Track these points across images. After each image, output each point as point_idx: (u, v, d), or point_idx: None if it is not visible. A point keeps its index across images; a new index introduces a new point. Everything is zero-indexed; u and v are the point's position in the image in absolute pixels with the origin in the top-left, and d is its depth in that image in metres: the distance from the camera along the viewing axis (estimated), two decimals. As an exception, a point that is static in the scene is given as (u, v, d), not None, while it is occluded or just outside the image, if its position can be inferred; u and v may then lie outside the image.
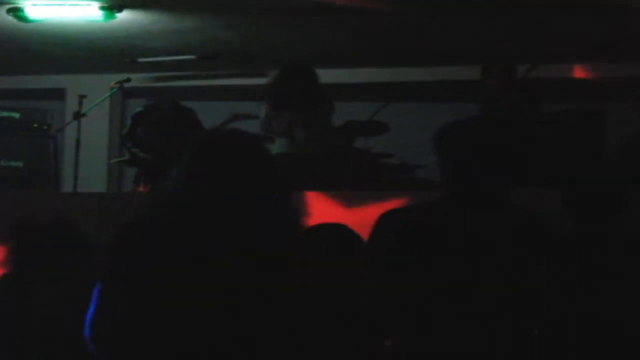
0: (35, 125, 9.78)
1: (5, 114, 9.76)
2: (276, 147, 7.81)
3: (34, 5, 8.34)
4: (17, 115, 9.78)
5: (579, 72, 9.96)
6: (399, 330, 3.39)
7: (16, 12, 8.39)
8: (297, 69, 7.77)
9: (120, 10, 8.39)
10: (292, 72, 7.76)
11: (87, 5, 8.35)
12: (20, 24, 8.66)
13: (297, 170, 7.45)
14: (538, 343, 3.40)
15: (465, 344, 3.31)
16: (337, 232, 4.14)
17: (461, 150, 3.52)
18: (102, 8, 8.34)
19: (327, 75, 8.20)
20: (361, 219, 4.56)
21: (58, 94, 11.07)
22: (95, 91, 9.36)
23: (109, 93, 9.37)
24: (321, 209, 5.80)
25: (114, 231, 3.15)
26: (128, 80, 9.05)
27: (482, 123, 3.60)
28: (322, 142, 7.70)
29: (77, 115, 8.58)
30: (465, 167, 3.51)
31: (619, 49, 9.11)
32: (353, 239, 3.69)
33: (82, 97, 8.59)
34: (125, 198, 7.79)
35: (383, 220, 3.60)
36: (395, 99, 8.97)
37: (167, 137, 8.39)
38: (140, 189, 8.66)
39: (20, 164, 9.70)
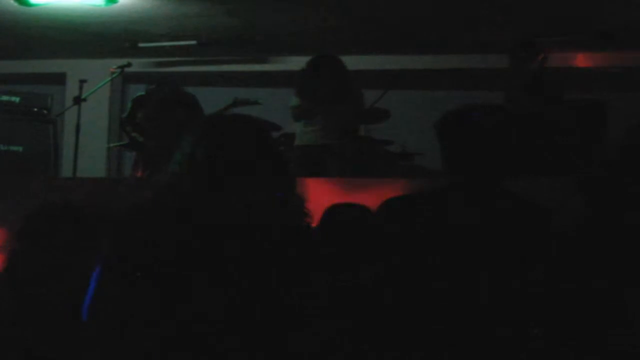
0: (35, 109, 9.78)
1: (5, 98, 9.77)
2: (299, 136, 7.85)
3: (36, -11, 8.35)
4: (17, 99, 9.78)
5: (580, 61, 9.94)
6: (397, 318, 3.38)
7: (18, -4, 8.39)
8: (324, 60, 7.80)
9: (121, -6, 8.40)
10: (319, 63, 7.79)
11: (89, -11, 8.36)
12: (22, 8, 8.64)
13: (317, 161, 7.53)
14: (537, 342, 3.38)
15: (463, 336, 3.30)
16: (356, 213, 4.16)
17: (464, 139, 3.51)
18: (103, -8, 8.34)
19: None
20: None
21: (58, 78, 11.06)
22: (95, 76, 9.35)
23: (109, 78, 9.37)
24: (322, 196, 5.79)
25: (115, 216, 3.14)
26: (128, 65, 9.04)
27: (486, 112, 3.57)
28: (343, 133, 7.74)
29: (77, 100, 8.57)
30: (467, 156, 3.49)
31: (622, 37, 9.09)
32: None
33: (82, 81, 8.58)
34: (125, 183, 7.79)
35: (384, 208, 3.60)
36: (396, 86, 8.97)
37: (167, 121, 8.39)
38: (139, 173, 8.67)
39: (19, 148, 9.71)
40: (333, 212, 4.29)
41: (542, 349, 3.34)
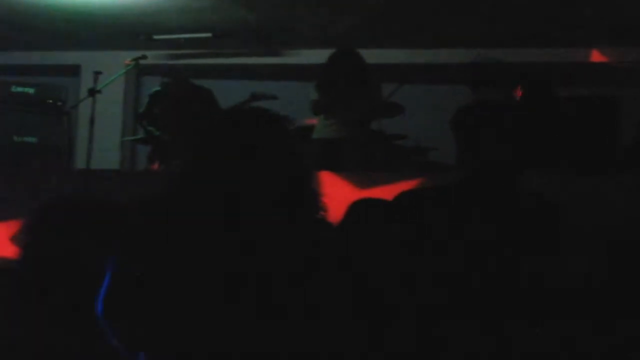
0: (50, 101, 9.79)
1: (20, 89, 9.77)
2: (319, 129, 7.87)
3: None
4: (32, 90, 9.79)
5: (594, 57, 9.93)
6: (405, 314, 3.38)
7: (33, -13, 8.41)
8: (344, 54, 7.82)
9: (137, -14, 8.42)
10: (338, 58, 7.81)
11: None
12: (37, 0, 8.66)
13: (335, 154, 7.55)
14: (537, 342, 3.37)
15: (473, 331, 3.30)
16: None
17: (477, 134, 3.51)
18: (119, -16, 8.37)
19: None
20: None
21: (73, 70, 11.08)
22: (110, 68, 9.36)
23: (123, 70, 9.37)
24: (335, 191, 5.80)
25: (129, 207, 3.15)
26: (144, 57, 9.04)
27: (502, 107, 3.58)
28: (360, 128, 7.76)
29: (92, 92, 8.58)
30: (482, 151, 3.49)
31: (636, 33, 9.08)
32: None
33: (97, 73, 8.58)
34: (140, 176, 7.81)
35: (397, 201, 3.60)
36: (410, 81, 8.97)
37: (183, 115, 8.41)
38: (155, 167, 8.68)
39: (34, 139, 9.72)
40: (360, 206, 4.23)
41: (542, 349, 3.34)
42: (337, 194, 5.50)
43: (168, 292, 2.83)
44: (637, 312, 3.34)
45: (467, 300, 3.30)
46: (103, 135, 9.49)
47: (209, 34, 9.81)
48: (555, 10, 8.61)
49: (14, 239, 4.47)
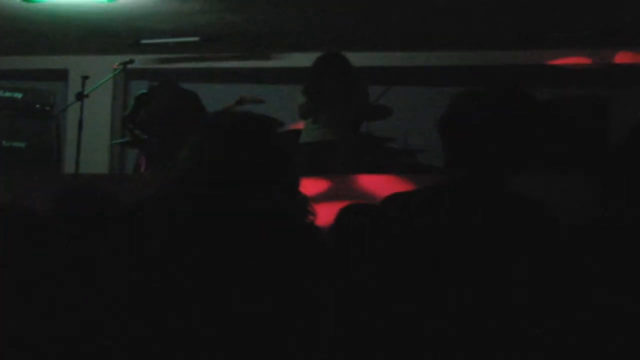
0: (38, 105, 9.80)
1: (7, 94, 9.79)
2: (306, 133, 7.86)
3: (38, -15, 8.35)
4: (19, 95, 9.80)
5: (583, 59, 9.94)
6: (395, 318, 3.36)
7: (20, -8, 8.39)
8: (330, 57, 7.81)
9: (124, -10, 8.40)
10: (324, 61, 7.80)
11: (91, -15, 8.36)
12: (24, 4, 8.65)
13: (323, 157, 7.55)
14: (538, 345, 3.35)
15: (463, 336, 3.29)
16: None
17: (467, 135, 3.50)
18: (106, -12, 8.35)
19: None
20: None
21: (61, 74, 11.06)
22: (98, 72, 9.35)
23: (111, 74, 9.36)
24: (326, 193, 5.80)
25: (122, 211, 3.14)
26: (131, 61, 9.03)
27: (490, 108, 3.56)
28: (349, 130, 7.76)
29: (80, 97, 8.56)
30: (470, 152, 3.48)
31: (625, 35, 9.10)
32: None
33: (84, 78, 8.57)
34: (129, 180, 7.80)
35: (386, 204, 3.59)
36: (398, 83, 8.98)
37: (170, 119, 8.40)
38: (142, 171, 8.68)
39: (22, 144, 9.73)
40: (349, 212, 4.21)
41: (541, 349, 3.32)
42: (325, 198, 5.51)
43: (160, 293, 2.83)
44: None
45: (459, 306, 3.29)
46: (91, 140, 9.47)
47: (196, 38, 9.81)
48: (547, 12, 8.62)
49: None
